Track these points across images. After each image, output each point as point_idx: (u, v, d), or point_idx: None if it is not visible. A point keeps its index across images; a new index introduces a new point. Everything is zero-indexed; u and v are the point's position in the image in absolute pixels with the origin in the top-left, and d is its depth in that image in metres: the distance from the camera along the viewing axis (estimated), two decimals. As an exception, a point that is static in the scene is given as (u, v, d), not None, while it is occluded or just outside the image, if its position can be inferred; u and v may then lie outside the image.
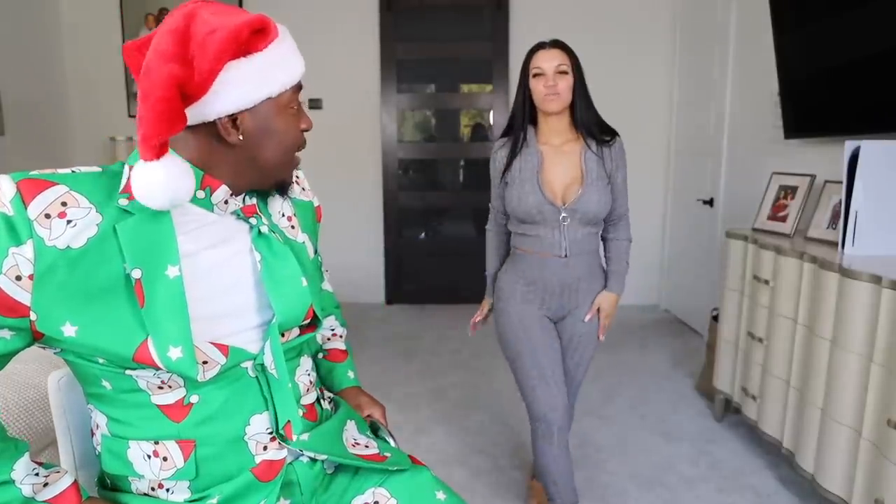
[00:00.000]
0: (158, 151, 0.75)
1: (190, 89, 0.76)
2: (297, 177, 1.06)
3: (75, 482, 0.82)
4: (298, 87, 0.89)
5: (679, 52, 4.04)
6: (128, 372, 0.81)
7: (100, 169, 0.81)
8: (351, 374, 1.21)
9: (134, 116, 4.02)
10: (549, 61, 1.65)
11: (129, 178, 0.80)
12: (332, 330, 1.22)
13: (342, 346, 1.23)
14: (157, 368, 0.79)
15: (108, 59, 4.34)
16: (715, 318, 2.75)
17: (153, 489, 0.88)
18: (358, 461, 0.99)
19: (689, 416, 2.69)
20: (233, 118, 0.82)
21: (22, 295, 0.73)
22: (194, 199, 0.84)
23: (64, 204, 0.75)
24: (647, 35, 4.17)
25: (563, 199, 1.70)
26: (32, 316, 0.74)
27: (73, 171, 0.79)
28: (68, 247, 0.75)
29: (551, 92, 1.64)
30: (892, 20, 2.02)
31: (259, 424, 0.90)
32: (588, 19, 4.14)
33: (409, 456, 1.07)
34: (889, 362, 1.61)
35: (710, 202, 3.57)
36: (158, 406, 0.84)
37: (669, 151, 4.22)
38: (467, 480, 2.19)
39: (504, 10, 4.21)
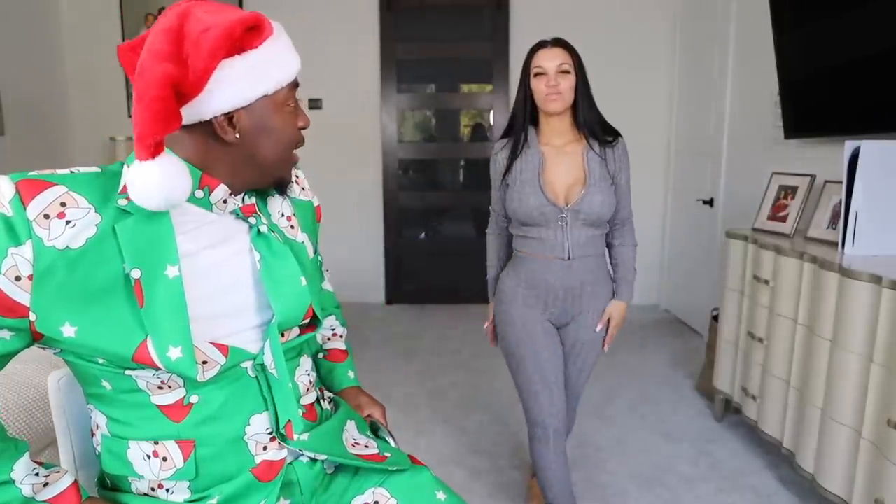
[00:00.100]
0: (154, 151, 0.74)
1: (185, 88, 0.75)
2: (297, 176, 1.06)
3: (75, 482, 0.82)
4: (295, 85, 0.88)
5: (679, 52, 4.04)
6: (127, 372, 0.81)
7: (99, 169, 0.81)
8: (351, 374, 1.21)
9: (134, 116, 4.01)
10: (550, 60, 1.61)
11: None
12: (333, 330, 1.22)
13: (342, 346, 1.22)
14: (157, 368, 0.78)
15: (108, 59, 4.33)
16: (715, 318, 2.75)
17: (153, 489, 0.88)
18: (358, 461, 0.99)
19: (689, 416, 2.69)
20: (229, 116, 0.81)
21: (21, 295, 0.73)
22: (193, 199, 0.84)
23: (63, 204, 0.75)
24: (647, 35, 4.17)
25: (566, 199, 1.67)
26: (32, 316, 0.74)
27: (71, 172, 0.79)
28: (67, 247, 0.75)
29: (553, 92, 1.61)
30: (892, 20, 2.02)
31: (259, 424, 0.90)
32: (588, 19, 4.14)
33: (409, 456, 1.07)
34: (889, 362, 1.61)
35: (710, 202, 3.57)
36: (158, 406, 0.84)
37: (669, 151, 4.22)
38: (467, 480, 2.19)
39: (504, 10, 4.21)
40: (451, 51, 4.42)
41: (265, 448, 0.90)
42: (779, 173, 2.56)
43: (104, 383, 0.83)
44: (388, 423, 1.20)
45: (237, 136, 0.83)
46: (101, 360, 0.79)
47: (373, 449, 1.03)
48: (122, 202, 0.79)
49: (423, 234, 4.80)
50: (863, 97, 2.21)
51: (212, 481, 0.88)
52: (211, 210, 0.86)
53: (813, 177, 2.37)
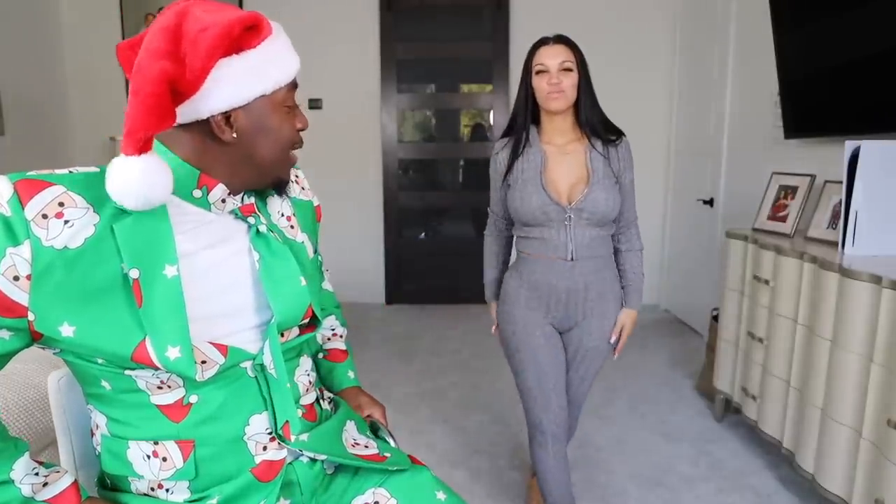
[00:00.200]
0: (141, 147, 0.73)
1: (182, 86, 0.75)
2: (297, 176, 1.06)
3: (75, 482, 0.82)
4: (294, 85, 0.88)
5: (679, 52, 4.04)
6: (127, 372, 0.81)
7: (97, 169, 0.81)
8: (351, 374, 1.20)
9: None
10: (552, 58, 1.56)
11: None
12: (333, 330, 1.22)
13: (342, 346, 1.22)
14: (156, 368, 0.78)
15: (108, 59, 4.31)
16: (715, 318, 2.75)
17: (153, 489, 0.88)
18: (358, 461, 0.99)
19: (689, 416, 2.69)
20: (226, 116, 0.81)
21: (20, 295, 0.73)
22: (191, 199, 0.84)
23: (61, 204, 0.75)
24: (647, 35, 4.17)
25: (569, 198, 1.61)
26: (30, 316, 0.74)
27: (70, 172, 0.78)
28: (66, 247, 0.74)
29: (555, 90, 1.56)
30: (892, 20, 2.02)
31: (258, 424, 0.90)
32: (588, 19, 4.13)
33: (409, 456, 1.07)
34: (889, 362, 1.61)
35: (710, 202, 3.57)
36: (158, 406, 0.84)
37: (669, 151, 4.22)
38: (467, 481, 2.19)
39: (504, 10, 4.21)
40: (451, 51, 4.42)
41: (265, 448, 0.90)
42: (779, 173, 2.56)
43: (104, 383, 0.83)
44: (388, 423, 1.19)
45: (234, 135, 0.82)
46: (100, 360, 0.79)
47: (373, 449, 1.03)
48: (120, 202, 0.79)
49: (423, 234, 4.80)
50: (863, 97, 2.21)
51: (211, 481, 0.88)
52: (209, 210, 0.86)
53: (813, 177, 2.37)
